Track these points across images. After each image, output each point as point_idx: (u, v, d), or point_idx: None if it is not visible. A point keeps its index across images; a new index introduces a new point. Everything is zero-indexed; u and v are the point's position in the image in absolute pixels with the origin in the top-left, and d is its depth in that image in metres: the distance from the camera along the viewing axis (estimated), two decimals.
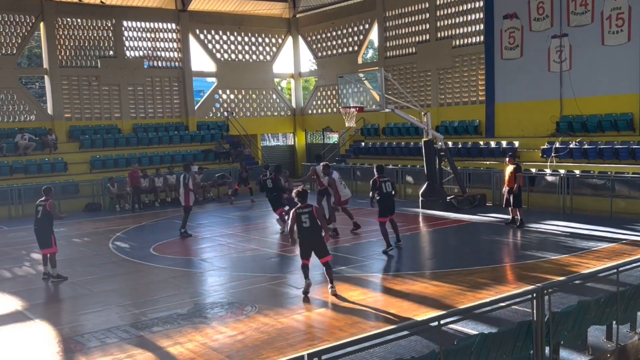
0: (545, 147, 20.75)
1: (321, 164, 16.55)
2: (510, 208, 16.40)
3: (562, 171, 19.20)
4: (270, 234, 17.20)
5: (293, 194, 11.27)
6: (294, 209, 10.78)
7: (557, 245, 13.86)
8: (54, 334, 9.17)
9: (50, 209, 12.49)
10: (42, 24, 26.65)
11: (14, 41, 26.18)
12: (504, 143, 22.65)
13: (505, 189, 16.20)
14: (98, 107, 28.16)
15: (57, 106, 26.94)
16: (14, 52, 26.31)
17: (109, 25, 28.30)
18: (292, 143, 35.36)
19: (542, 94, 22.16)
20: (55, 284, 12.27)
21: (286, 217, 15.47)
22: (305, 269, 10.57)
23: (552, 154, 20.08)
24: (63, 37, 27.20)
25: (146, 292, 11.57)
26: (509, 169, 16.05)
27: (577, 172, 19.07)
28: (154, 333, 8.90)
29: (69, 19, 27.35)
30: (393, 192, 14.01)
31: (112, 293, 11.45)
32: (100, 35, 28.13)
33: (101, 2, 27.53)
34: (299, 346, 8.04)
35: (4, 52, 25.87)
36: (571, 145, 20.09)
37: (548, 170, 19.45)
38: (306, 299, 10.33)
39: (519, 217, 16.17)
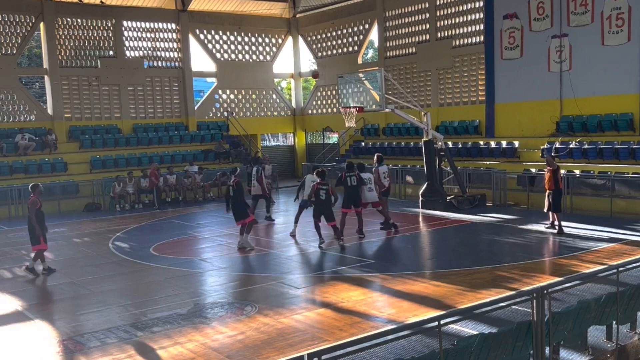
0: (545, 147, 20.75)
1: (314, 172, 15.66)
2: (550, 212, 15.46)
3: (562, 171, 19.17)
4: (270, 234, 17.19)
5: (315, 174, 14.90)
6: (314, 183, 14.44)
7: (557, 245, 13.87)
8: (54, 334, 9.17)
9: (29, 205, 12.86)
10: (42, 24, 26.65)
11: (14, 41, 26.18)
12: (504, 143, 22.66)
13: (548, 192, 15.29)
14: (98, 107, 28.16)
15: (57, 106, 26.95)
16: (14, 52, 26.31)
17: (109, 25, 28.30)
18: (292, 143, 35.37)
19: (542, 94, 22.17)
20: (27, 275, 12.78)
21: (247, 231, 14.72)
22: (318, 228, 14.48)
23: (552, 154, 20.07)
24: (63, 37, 27.20)
25: (146, 292, 11.57)
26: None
27: (577, 172, 19.07)
28: (154, 333, 8.90)
29: (69, 19, 27.36)
30: (357, 186, 15.32)
31: (112, 293, 11.45)
32: (100, 35, 28.13)
33: (101, 2, 27.54)
34: (299, 346, 8.04)
35: (4, 52, 25.87)
36: (571, 145, 20.09)
37: None
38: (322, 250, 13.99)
39: (557, 222, 15.21)
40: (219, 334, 8.77)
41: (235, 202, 14.66)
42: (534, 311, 6.21)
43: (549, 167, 15.28)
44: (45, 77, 27.48)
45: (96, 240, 17.10)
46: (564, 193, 16.59)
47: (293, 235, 16.25)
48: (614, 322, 7.37)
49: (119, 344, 8.50)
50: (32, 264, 12.97)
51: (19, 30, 26.28)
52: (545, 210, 15.56)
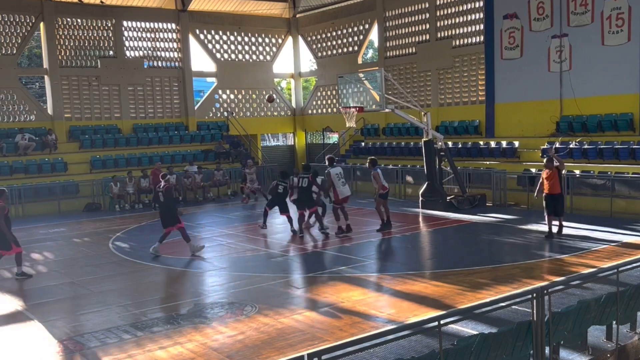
0: (545, 147, 20.74)
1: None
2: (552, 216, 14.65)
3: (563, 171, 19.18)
4: (270, 234, 17.20)
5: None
6: (275, 182, 16.42)
7: (557, 245, 13.86)
8: (54, 334, 9.17)
9: None
10: (42, 24, 26.65)
11: (14, 41, 26.18)
12: (504, 143, 22.66)
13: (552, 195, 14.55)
14: (98, 107, 28.16)
15: (57, 106, 26.95)
16: (14, 52, 26.31)
17: (109, 25, 28.30)
18: (292, 143, 35.37)
19: (542, 94, 22.17)
20: (22, 279, 12.62)
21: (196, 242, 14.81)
22: (266, 213, 17.03)
23: (556, 153, 20.06)
24: (63, 37, 27.20)
25: (146, 292, 11.57)
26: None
27: (577, 172, 19.07)
28: (154, 333, 8.90)
29: (69, 19, 27.36)
30: (308, 187, 16.06)
31: (112, 293, 11.45)
32: (100, 35, 28.13)
33: (101, 2, 27.54)
34: (299, 346, 8.04)
35: (4, 52, 25.87)
36: (571, 145, 20.09)
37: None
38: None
39: (559, 224, 14.71)
40: (219, 334, 8.77)
41: (164, 208, 14.47)
42: (534, 311, 6.21)
43: (549, 169, 14.51)
44: (45, 77, 27.48)
45: (96, 240, 17.10)
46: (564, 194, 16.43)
47: (295, 231, 16.43)
48: (614, 322, 7.36)
49: (119, 344, 8.49)
50: (19, 269, 12.76)
51: (19, 30, 26.28)
52: (555, 215, 14.52)
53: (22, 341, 8.98)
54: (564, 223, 14.89)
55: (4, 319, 10.06)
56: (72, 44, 27.46)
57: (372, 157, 17.13)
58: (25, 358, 8.32)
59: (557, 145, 20.27)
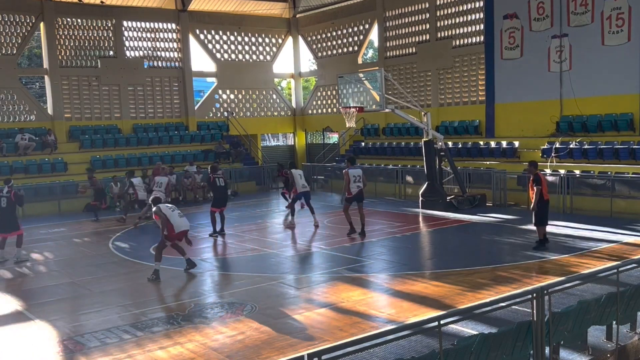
0: (545, 147, 20.76)
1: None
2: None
3: (562, 171, 19.20)
4: (270, 234, 17.19)
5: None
6: (210, 175, 16.22)
7: (557, 245, 13.85)
8: (54, 334, 9.17)
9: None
10: (42, 24, 26.66)
11: (14, 41, 26.19)
12: (504, 143, 22.66)
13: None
14: (98, 107, 28.17)
15: (57, 106, 26.95)
16: (14, 52, 26.32)
17: (109, 25, 28.31)
18: (292, 143, 35.37)
19: (542, 94, 22.17)
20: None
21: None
22: (214, 220, 16.67)
23: (552, 154, 20.09)
24: (63, 37, 27.21)
25: (146, 292, 11.57)
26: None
27: (577, 172, 19.08)
28: (154, 333, 8.90)
29: (69, 19, 27.37)
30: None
31: (112, 293, 11.46)
32: (100, 35, 28.14)
33: (101, 2, 27.54)
34: (299, 346, 8.04)
35: (4, 52, 25.88)
36: (571, 146, 20.10)
37: (548, 171, 19.43)
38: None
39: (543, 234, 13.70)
40: (219, 333, 8.77)
41: (6, 213, 14.35)
42: (534, 311, 6.20)
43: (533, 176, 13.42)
44: (46, 77, 27.49)
45: (96, 240, 17.10)
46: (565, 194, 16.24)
47: (292, 226, 16.47)
48: (614, 322, 7.36)
49: (119, 344, 8.50)
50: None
51: (19, 30, 26.29)
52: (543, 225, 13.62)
53: (22, 341, 8.98)
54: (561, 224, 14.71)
55: (4, 319, 10.06)
56: (72, 44, 27.47)
57: (351, 155, 17.49)
58: (25, 358, 8.32)
59: (557, 145, 20.27)
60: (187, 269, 12.64)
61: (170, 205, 13.04)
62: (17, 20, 26.23)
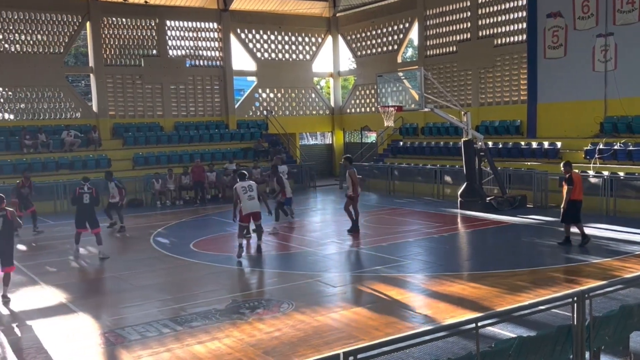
0: (589, 148, 20.32)
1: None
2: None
3: (605, 173, 18.77)
4: (307, 232, 17.27)
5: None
6: (77, 188, 14.49)
7: (600, 248, 13.57)
8: (96, 326, 9.41)
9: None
10: (88, 24, 27.30)
11: (61, 40, 26.90)
12: (545, 144, 22.25)
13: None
14: (141, 105, 28.72)
15: (101, 104, 27.58)
16: (61, 50, 27.03)
17: (153, 24, 28.82)
18: (330, 142, 35.43)
19: (585, 94, 21.70)
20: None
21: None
22: (78, 238, 14.57)
23: (596, 155, 19.65)
24: (108, 37, 27.82)
25: (185, 287, 11.76)
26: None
27: (621, 174, 18.63)
28: (193, 328, 9.05)
29: (114, 19, 27.97)
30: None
31: (153, 287, 11.67)
32: (144, 34, 28.68)
33: (145, 1, 28.03)
34: (334, 344, 8.07)
35: (51, 50, 26.61)
36: (615, 147, 19.63)
37: (591, 172, 19.04)
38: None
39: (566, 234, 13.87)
40: (256, 330, 8.87)
41: (89, 210, 14.48)
42: (575, 315, 6.10)
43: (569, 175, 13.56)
44: (91, 75, 28.16)
45: (138, 235, 17.44)
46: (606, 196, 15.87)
47: (276, 232, 16.63)
48: None
49: (158, 338, 8.67)
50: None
51: (66, 30, 26.98)
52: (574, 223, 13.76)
53: (66, 333, 9.24)
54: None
55: (50, 311, 10.36)
56: (116, 43, 28.07)
57: (348, 155, 17.53)
58: (68, 349, 8.56)
59: (601, 146, 19.83)
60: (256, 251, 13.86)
61: (246, 185, 13.54)
62: (65, 19, 26.92)
